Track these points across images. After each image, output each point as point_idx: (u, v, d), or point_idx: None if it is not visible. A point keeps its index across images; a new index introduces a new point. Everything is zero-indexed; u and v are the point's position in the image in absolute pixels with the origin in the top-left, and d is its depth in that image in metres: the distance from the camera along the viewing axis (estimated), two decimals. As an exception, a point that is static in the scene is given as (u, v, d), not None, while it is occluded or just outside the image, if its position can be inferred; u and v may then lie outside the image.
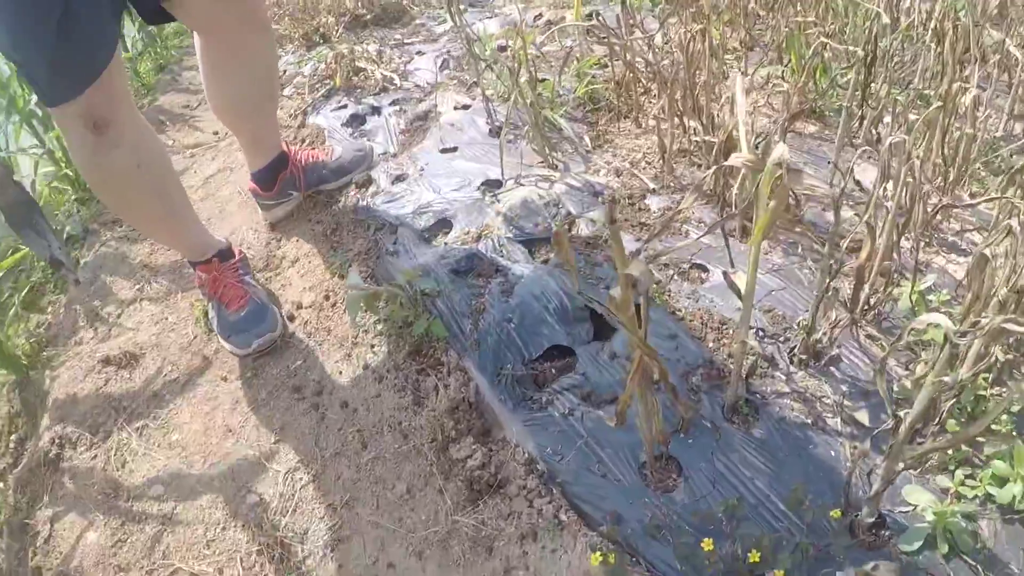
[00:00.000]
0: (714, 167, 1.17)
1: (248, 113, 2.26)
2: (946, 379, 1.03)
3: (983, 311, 1.24)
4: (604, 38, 2.45)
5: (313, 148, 2.73)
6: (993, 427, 1.49)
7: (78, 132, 1.70)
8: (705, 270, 1.97)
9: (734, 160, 1.15)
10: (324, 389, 1.95)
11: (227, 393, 2.01)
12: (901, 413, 1.18)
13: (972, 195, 2.20)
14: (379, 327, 2.03)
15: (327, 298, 2.20)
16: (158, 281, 2.49)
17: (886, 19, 2.11)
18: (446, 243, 2.20)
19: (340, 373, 1.98)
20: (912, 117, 2.00)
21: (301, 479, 1.74)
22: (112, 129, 1.72)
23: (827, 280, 1.48)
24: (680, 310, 1.83)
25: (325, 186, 2.62)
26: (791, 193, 1.33)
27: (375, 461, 1.73)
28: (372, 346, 2.01)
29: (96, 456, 1.91)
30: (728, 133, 1.69)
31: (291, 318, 2.20)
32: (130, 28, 4.41)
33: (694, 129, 2.36)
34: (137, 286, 2.48)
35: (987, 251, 1.22)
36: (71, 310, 2.41)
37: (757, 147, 1.83)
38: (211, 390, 2.03)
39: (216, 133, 3.50)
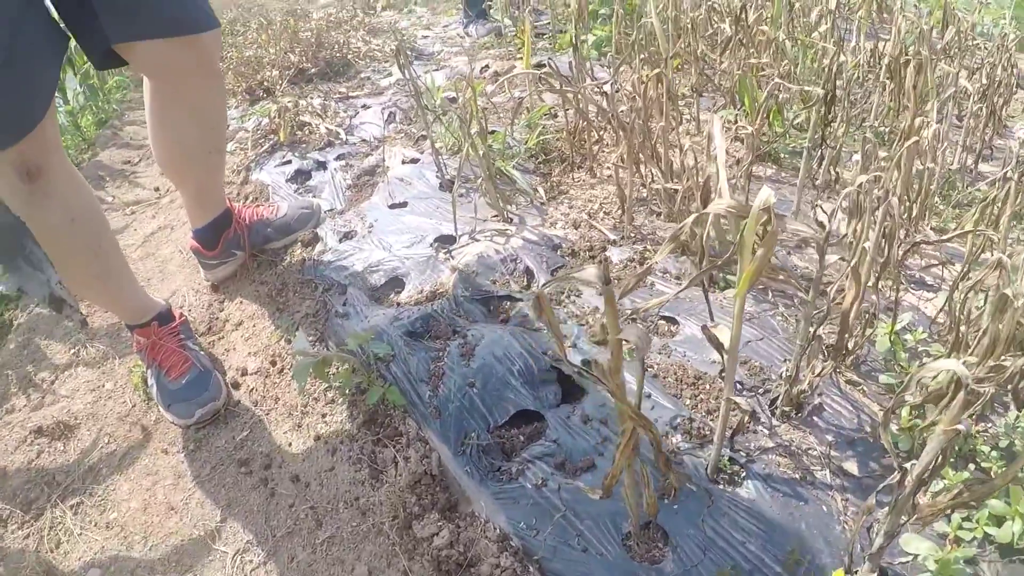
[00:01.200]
0: (693, 216, 1.08)
1: (194, 165, 2.15)
2: (960, 427, 0.95)
3: (1003, 354, 1.17)
4: (558, 87, 2.39)
5: (258, 205, 2.63)
6: (983, 465, 1.45)
7: (10, 181, 1.61)
8: (675, 322, 1.89)
9: (716, 207, 1.06)
10: (273, 462, 1.81)
11: (168, 467, 1.87)
12: (907, 465, 1.09)
13: (934, 229, 2.18)
14: (330, 394, 1.92)
15: (274, 363, 2.08)
16: (95, 345, 2.35)
17: (844, 56, 2.08)
18: (399, 303, 2.10)
19: (290, 445, 1.85)
20: (881, 154, 1.96)
21: (251, 561, 1.60)
22: (44, 178, 1.64)
23: (812, 328, 1.40)
24: (652, 366, 1.74)
25: (270, 245, 2.52)
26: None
27: (331, 541, 1.59)
28: (323, 415, 1.88)
29: (29, 536, 1.75)
30: (697, 179, 1.62)
31: (236, 385, 2.07)
32: (71, 80, 4.30)
33: (653, 177, 2.30)
34: (73, 350, 2.34)
35: (1008, 291, 1.15)
36: (3, 375, 2.26)
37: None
38: (151, 463, 1.89)
39: (157, 190, 3.38)
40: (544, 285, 0.86)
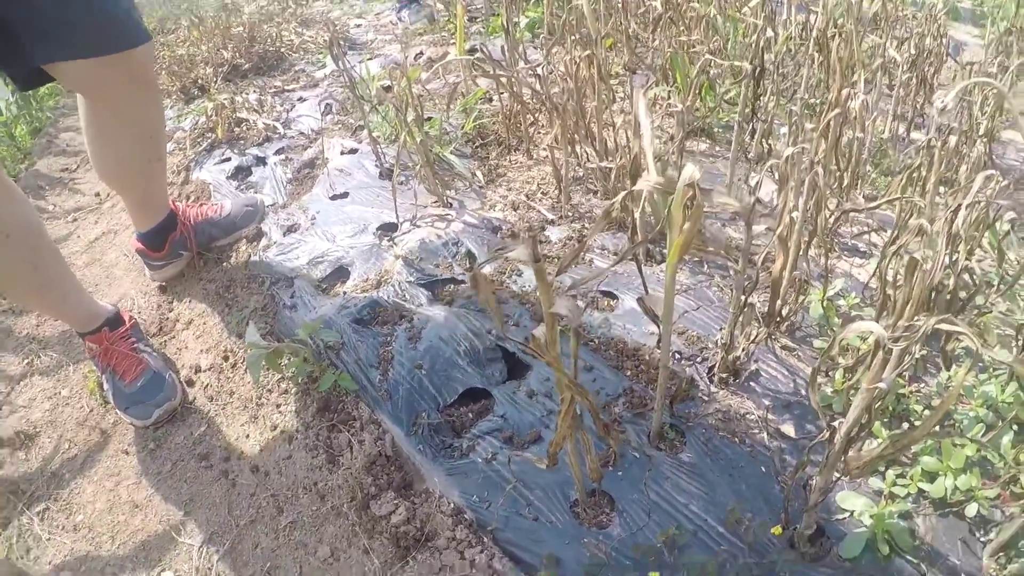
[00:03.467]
0: (623, 192, 1.13)
1: (135, 175, 2.14)
2: (882, 385, 1.01)
3: (915, 313, 1.24)
4: (491, 72, 2.42)
5: (202, 205, 2.63)
6: (916, 424, 1.51)
7: None
8: (614, 297, 1.95)
9: (643, 184, 1.11)
10: (232, 455, 1.84)
11: (130, 467, 1.89)
12: (835, 423, 1.16)
13: (866, 197, 2.25)
14: (283, 385, 1.95)
15: (226, 359, 2.11)
16: (47, 354, 2.35)
17: (771, 32, 2.14)
18: (345, 292, 2.13)
19: (247, 437, 1.88)
20: (808, 126, 2.02)
21: (217, 551, 1.63)
22: None
23: (743, 296, 1.47)
24: (594, 340, 1.80)
25: (216, 243, 2.53)
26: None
27: (293, 526, 1.63)
28: (278, 406, 1.91)
29: (-1, 546, 1.77)
30: (630, 157, 1.67)
31: (190, 383, 2.09)
32: (2, 90, 4.22)
33: (588, 156, 2.35)
34: (26, 360, 2.34)
35: (917, 254, 1.22)
36: (-41, 391, 2.25)
37: (654, 168, 1.81)
38: (113, 465, 1.91)
39: (98, 195, 3.36)
40: (478, 264, 0.91)
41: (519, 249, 0.84)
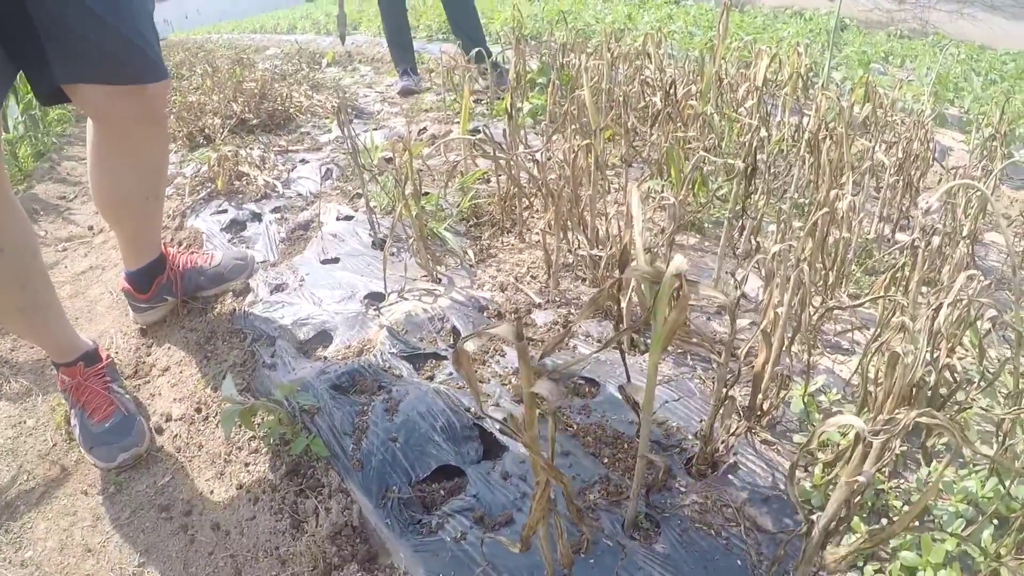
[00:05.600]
0: (611, 280, 1.14)
1: (131, 209, 2.16)
2: (861, 478, 1.01)
3: (896, 408, 1.24)
4: (492, 154, 2.46)
5: (192, 252, 2.63)
6: (895, 519, 1.50)
7: None
8: (595, 384, 1.94)
9: (631, 272, 1.12)
10: (194, 509, 1.80)
11: (87, 508, 1.85)
12: (813, 516, 1.15)
13: (850, 296, 2.28)
14: (254, 444, 1.92)
15: (199, 411, 2.08)
16: (18, 380, 2.32)
17: (765, 132, 2.18)
18: (326, 357, 2.12)
19: (212, 492, 1.84)
20: (796, 224, 2.05)
21: (168, 608, 1.58)
22: None
23: (724, 389, 1.47)
24: (572, 426, 1.78)
25: (202, 293, 2.53)
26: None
27: (250, 589, 1.58)
28: (247, 464, 1.88)
29: (-61, 568, 1.71)
30: (621, 246, 1.69)
31: (159, 431, 2.06)
32: (13, 109, 4.26)
33: (579, 243, 2.37)
34: (-6, 385, 2.30)
35: (899, 348, 1.23)
36: (-80, 404, 2.21)
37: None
38: (70, 504, 1.87)
39: (91, 228, 3.36)
40: (462, 340, 0.91)
41: (504, 327, 0.84)
